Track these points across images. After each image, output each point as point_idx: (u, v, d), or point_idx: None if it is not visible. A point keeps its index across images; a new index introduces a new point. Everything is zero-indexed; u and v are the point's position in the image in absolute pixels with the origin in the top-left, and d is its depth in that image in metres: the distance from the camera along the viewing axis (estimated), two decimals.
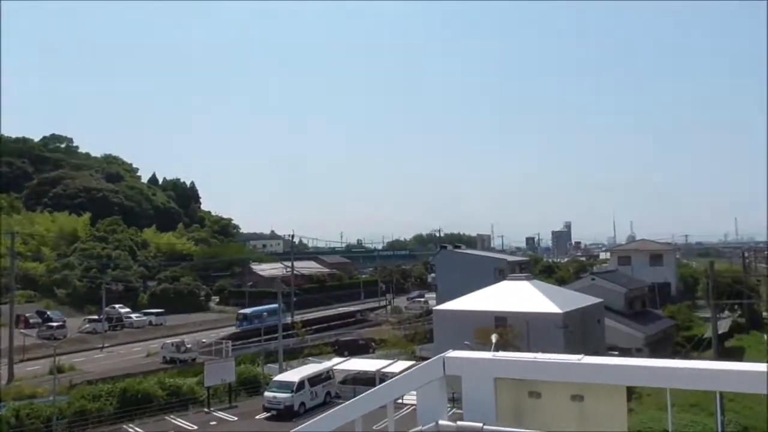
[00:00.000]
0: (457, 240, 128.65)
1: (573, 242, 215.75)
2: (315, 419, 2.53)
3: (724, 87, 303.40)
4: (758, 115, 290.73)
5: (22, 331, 49.50)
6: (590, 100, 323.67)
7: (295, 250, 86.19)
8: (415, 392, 2.37)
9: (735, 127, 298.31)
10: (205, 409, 34.34)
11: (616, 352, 35.33)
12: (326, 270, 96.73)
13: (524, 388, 2.25)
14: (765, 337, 54.60)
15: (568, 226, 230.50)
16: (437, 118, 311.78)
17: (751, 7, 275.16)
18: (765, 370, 1.93)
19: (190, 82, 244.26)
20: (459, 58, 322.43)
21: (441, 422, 2.15)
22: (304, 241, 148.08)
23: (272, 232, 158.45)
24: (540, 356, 2.22)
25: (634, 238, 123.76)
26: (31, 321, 59.21)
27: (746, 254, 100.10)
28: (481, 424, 2.09)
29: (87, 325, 60.94)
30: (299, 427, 2.52)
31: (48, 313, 64.52)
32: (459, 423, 2.14)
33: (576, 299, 39.92)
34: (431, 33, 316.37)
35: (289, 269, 74.21)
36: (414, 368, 2.35)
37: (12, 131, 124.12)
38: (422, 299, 78.45)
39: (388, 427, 2.48)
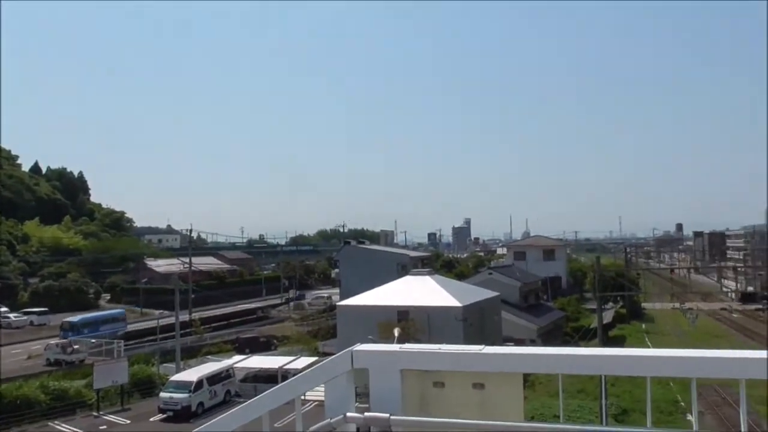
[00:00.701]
0: (361, 235, 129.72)
1: (472, 238, 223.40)
2: (219, 417, 2.41)
3: (619, 85, 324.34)
4: (643, 121, 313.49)
5: None
6: (491, 98, 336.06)
7: (193, 246, 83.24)
8: (321, 387, 2.35)
9: (621, 131, 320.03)
10: (95, 413, 32.53)
11: (512, 343, 36.98)
12: (226, 266, 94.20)
13: (429, 379, 2.30)
14: (643, 326, 59.19)
15: (467, 222, 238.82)
16: (339, 114, 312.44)
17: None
18: (643, 354, 2.06)
19: (76, 63, 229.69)
20: (357, 54, 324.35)
21: (349, 414, 2.13)
22: (203, 236, 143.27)
23: (168, 226, 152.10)
24: (444, 347, 2.27)
25: (529, 235, 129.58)
26: None
27: (628, 250, 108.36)
28: (387, 415, 2.10)
29: None
30: (201, 426, 2.39)
31: None
32: (366, 414, 2.13)
33: (475, 293, 41.38)
34: (324, 30, 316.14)
35: (186, 265, 71.68)
36: (322, 362, 2.31)
37: None
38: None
39: (295, 424, 2.41)
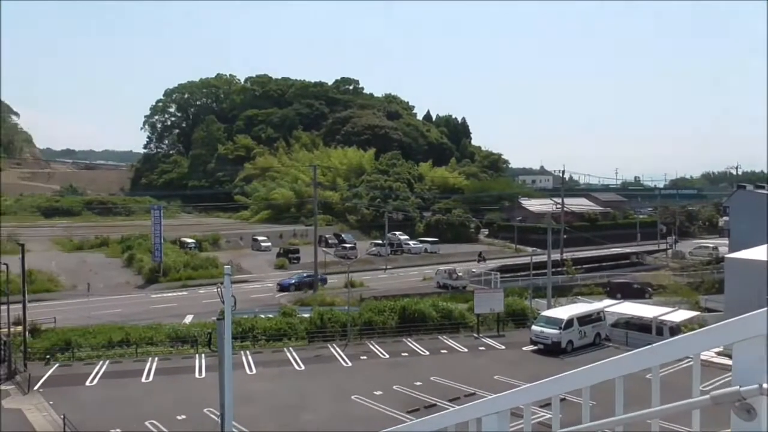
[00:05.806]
0: (758, 179, 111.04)
1: None
2: (612, 359, 2.50)
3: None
4: None
5: (323, 249, 57.46)
6: None
7: (565, 187, 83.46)
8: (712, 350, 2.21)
9: None
10: (474, 335, 36.15)
11: None
12: (598, 208, 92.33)
13: None
14: None
15: None
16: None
17: None
18: None
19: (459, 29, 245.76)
20: None
21: (765, 386, 1.92)
22: (575, 177, 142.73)
23: (542, 167, 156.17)
24: None
25: None
26: (329, 241, 68.53)
27: None
28: None
29: (373, 249, 68.33)
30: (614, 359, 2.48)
31: (342, 235, 73.94)
32: None
33: None
34: None
35: (558, 206, 72.64)
36: (728, 321, 2.16)
37: (311, 76, 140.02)
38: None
39: (692, 382, 2.35)
